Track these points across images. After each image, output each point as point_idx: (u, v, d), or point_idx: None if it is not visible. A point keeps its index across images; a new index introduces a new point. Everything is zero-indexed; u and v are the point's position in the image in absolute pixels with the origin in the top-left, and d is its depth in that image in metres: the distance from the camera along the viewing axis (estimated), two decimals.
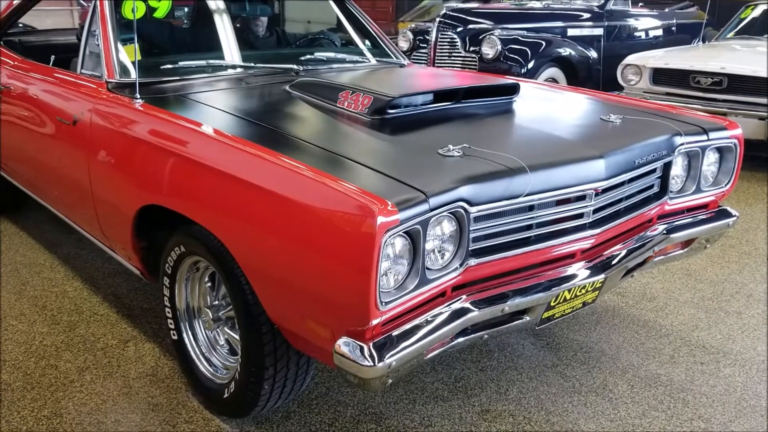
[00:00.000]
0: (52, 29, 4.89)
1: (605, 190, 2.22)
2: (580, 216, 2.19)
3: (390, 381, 1.78)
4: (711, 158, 2.68)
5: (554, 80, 6.97)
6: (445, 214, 1.81)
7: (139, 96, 2.51)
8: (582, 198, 2.17)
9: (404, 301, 1.77)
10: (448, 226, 1.87)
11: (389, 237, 1.64)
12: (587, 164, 2.14)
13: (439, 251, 1.88)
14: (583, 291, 2.24)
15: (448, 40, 7.00)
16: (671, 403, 2.52)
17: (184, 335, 2.47)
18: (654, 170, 2.47)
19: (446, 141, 2.11)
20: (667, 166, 2.51)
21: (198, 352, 2.45)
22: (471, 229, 1.90)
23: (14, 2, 3.91)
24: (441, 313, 1.86)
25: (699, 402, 2.53)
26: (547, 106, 2.91)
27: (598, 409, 2.47)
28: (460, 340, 1.98)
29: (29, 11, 3.99)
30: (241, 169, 1.95)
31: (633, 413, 2.46)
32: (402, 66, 3.60)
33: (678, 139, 2.49)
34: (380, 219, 1.61)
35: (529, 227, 2.08)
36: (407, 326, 1.80)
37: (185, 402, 2.46)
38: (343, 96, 2.50)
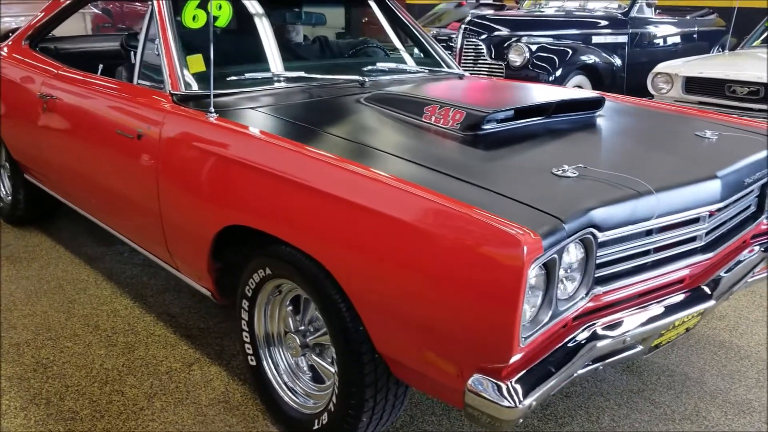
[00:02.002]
0: (85, 35, 4.75)
1: (717, 212, 2.13)
2: (692, 240, 2.09)
3: (521, 420, 1.67)
4: None
5: (580, 88, 6.88)
6: (575, 240, 1.71)
7: (213, 110, 2.39)
8: (695, 221, 2.07)
9: (540, 334, 1.66)
10: (575, 253, 1.76)
11: (532, 268, 1.53)
12: (704, 185, 2.04)
13: (568, 280, 1.77)
14: (690, 317, 2.13)
15: (473, 46, 6.89)
16: None
17: (264, 363, 2.34)
18: (752, 189, 2.38)
19: (554, 159, 2.01)
20: (765, 185, 2.43)
21: (280, 381, 2.32)
22: (597, 255, 1.80)
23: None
24: (572, 345, 1.75)
25: None
26: (631, 121, 2.79)
27: None
28: (580, 372, 1.87)
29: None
30: (353, 192, 1.81)
31: None
32: (461, 77, 3.48)
33: None
34: (526, 249, 1.50)
35: (646, 252, 1.98)
36: (538, 361, 1.68)
37: None
38: (429, 111, 2.39)
